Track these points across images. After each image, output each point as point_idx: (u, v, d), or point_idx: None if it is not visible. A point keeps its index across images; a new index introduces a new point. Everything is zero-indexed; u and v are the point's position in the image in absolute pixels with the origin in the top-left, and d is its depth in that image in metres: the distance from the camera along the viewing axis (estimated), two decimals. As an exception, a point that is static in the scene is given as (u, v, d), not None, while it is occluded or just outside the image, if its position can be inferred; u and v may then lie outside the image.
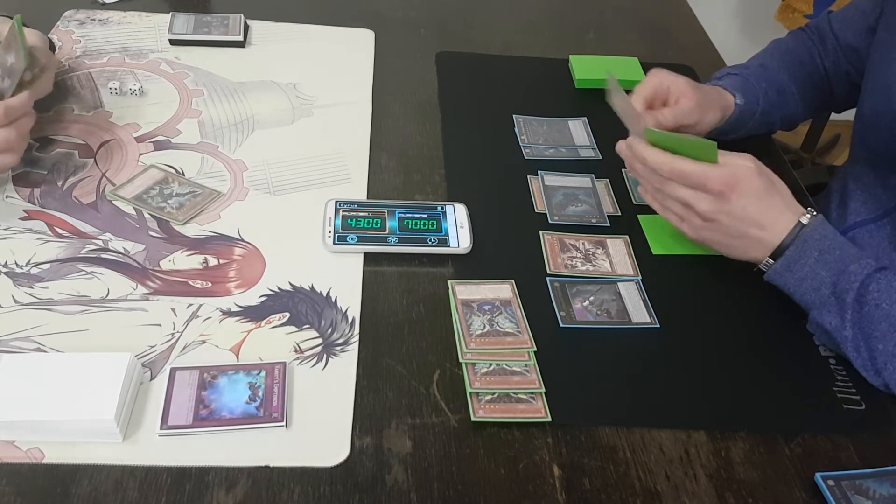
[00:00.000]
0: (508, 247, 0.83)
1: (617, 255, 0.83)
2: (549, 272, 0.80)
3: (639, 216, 0.88)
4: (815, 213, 0.74)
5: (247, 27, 1.13)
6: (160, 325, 0.71)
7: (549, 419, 0.66)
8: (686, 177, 0.74)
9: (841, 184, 0.97)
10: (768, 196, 0.73)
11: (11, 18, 0.80)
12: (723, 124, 0.94)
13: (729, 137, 0.96)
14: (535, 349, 0.71)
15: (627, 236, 0.86)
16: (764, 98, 0.95)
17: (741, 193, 0.72)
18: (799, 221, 0.73)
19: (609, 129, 1.00)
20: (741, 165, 0.73)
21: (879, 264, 0.71)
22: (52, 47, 0.96)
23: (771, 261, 0.74)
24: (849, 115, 1.03)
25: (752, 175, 0.73)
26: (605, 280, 0.80)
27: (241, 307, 0.73)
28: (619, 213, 0.89)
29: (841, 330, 0.71)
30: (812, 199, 0.96)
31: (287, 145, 0.94)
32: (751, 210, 0.73)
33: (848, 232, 0.91)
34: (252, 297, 0.74)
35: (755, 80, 0.96)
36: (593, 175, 0.93)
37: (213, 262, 0.77)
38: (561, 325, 0.75)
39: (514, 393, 0.68)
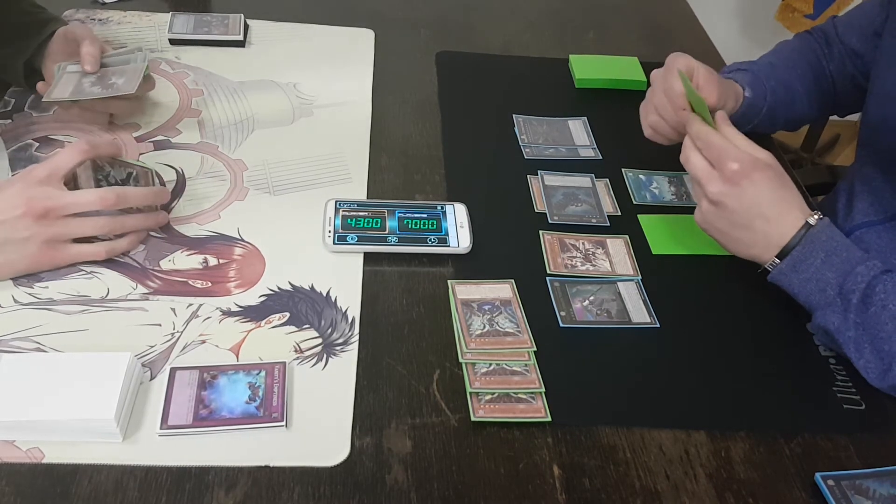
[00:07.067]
0: (508, 247, 0.83)
1: (617, 255, 0.83)
2: (548, 272, 0.80)
3: (639, 216, 0.88)
4: (821, 216, 0.73)
5: (247, 27, 1.13)
6: (160, 325, 0.71)
7: (549, 419, 0.66)
8: (709, 144, 0.75)
9: (848, 184, 0.97)
10: (779, 190, 0.73)
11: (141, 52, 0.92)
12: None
13: None
14: (535, 349, 0.71)
15: (627, 236, 0.85)
16: (771, 95, 0.94)
17: (753, 181, 0.72)
18: (806, 222, 0.72)
19: (609, 128, 1.01)
20: (759, 157, 0.73)
21: (886, 266, 0.71)
22: None
23: (777, 260, 0.73)
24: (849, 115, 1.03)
25: (767, 167, 0.73)
26: (605, 280, 0.80)
27: (240, 307, 0.73)
28: (619, 213, 0.89)
29: (844, 331, 0.70)
30: (817, 198, 0.96)
31: (287, 145, 0.94)
32: (759, 200, 0.72)
33: (855, 231, 0.90)
34: (252, 297, 0.74)
35: (764, 76, 0.95)
36: (593, 175, 0.93)
37: (212, 261, 0.77)
38: (561, 324, 0.75)
39: (514, 393, 0.68)
